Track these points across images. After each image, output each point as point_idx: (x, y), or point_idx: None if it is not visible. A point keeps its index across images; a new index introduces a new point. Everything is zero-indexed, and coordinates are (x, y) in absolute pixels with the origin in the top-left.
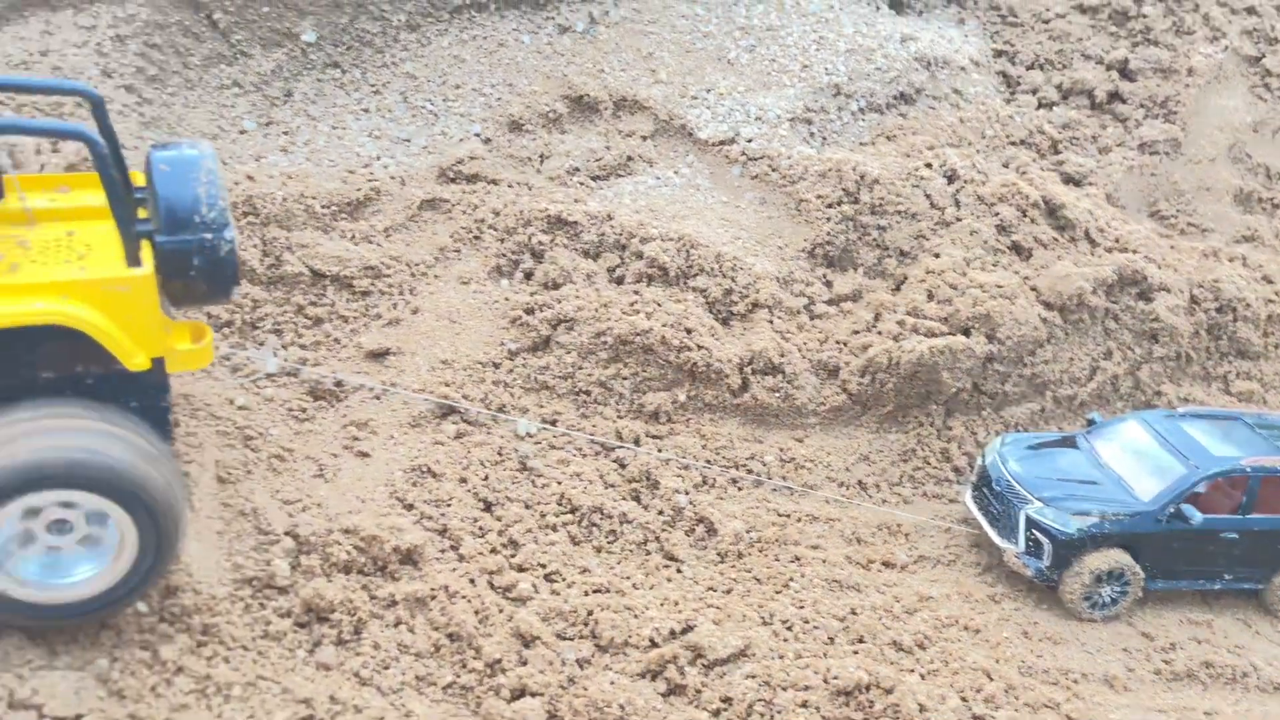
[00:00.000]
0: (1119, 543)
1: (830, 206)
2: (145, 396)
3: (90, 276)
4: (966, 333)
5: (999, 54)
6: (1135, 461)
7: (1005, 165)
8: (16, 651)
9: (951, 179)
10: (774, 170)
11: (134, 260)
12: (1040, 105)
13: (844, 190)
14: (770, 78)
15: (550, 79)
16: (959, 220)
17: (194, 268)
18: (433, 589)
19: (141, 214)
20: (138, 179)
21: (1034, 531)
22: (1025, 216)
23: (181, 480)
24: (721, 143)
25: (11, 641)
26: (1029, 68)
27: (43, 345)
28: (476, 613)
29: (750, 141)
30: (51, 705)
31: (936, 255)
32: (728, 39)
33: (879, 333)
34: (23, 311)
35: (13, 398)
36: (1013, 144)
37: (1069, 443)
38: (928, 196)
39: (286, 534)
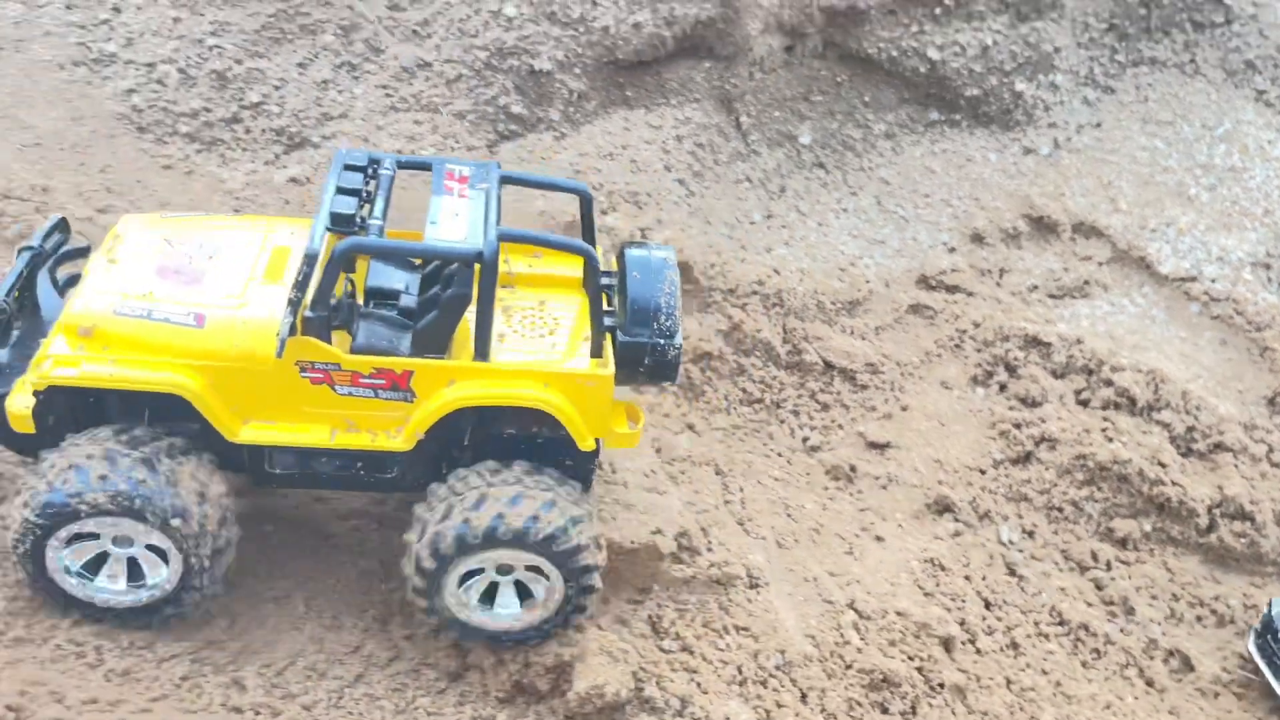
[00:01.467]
0: None
1: None
2: (579, 458)
3: (566, 370)
4: None
5: None
6: None
7: None
8: None
9: None
10: (1239, 314)
11: (598, 351)
12: None
13: None
14: (1231, 219)
15: (1013, 197)
16: None
17: (643, 364)
18: (967, 678)
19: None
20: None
21: None
22: None
23: (597, 538)
24: (1182, 279)
25: None
26: None
27: (512, 411)
28: (1006, 706)
29: (1213, 282)
30: None
31: None
32: (1188, 175)
33: None
34: (513, 394)
35: (480, 453)
36: None
37: None
38: None
39: (849, 606)
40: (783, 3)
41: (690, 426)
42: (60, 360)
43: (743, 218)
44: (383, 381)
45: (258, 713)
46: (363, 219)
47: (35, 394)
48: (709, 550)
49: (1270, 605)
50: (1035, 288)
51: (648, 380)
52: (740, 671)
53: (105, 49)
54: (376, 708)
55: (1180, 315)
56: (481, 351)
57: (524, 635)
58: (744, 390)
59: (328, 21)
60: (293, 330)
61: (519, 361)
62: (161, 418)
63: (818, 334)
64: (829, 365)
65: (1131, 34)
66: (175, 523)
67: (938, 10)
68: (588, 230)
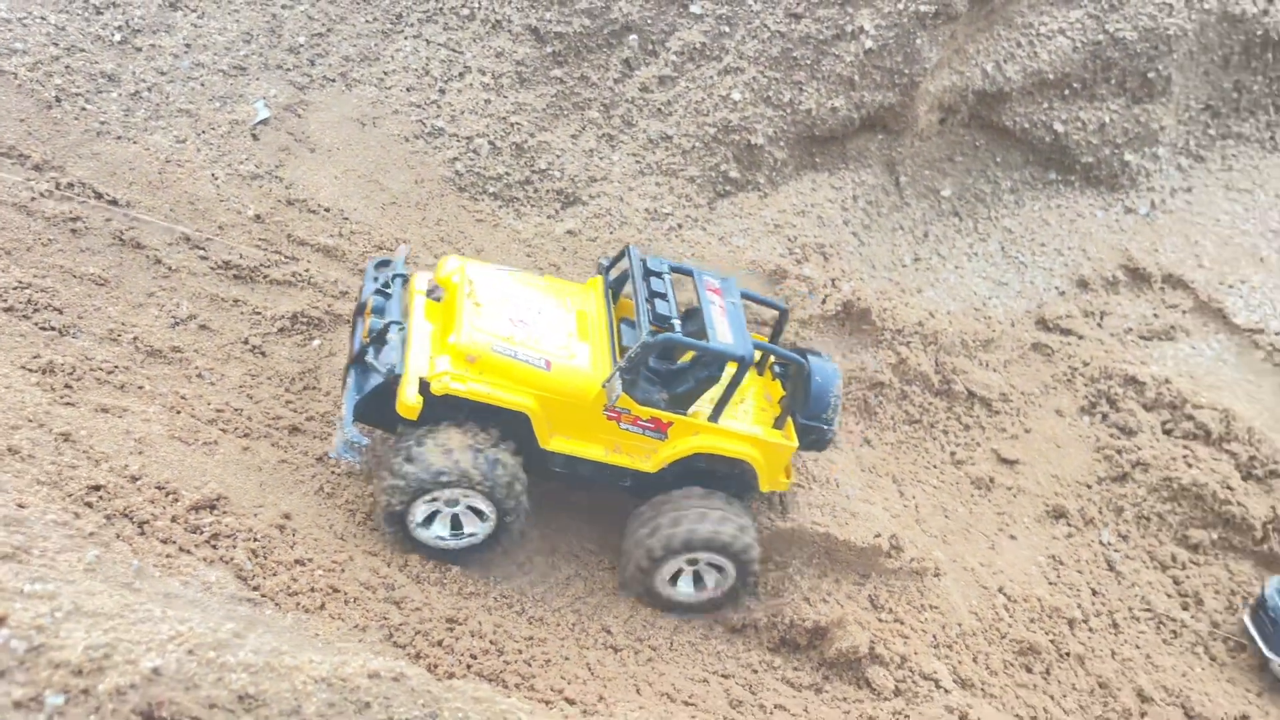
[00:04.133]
0: None
1: None
2: (743, 489)
3: (768, 439)
4: None
5: None
6: None
7: None
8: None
9: None
10: None
11: (781, 425)
12: None
13: None
14: None
15: (1114, 250)
16: None
17: (806, 440)
18: (1085, 649)
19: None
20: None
21: None
22: None
23: (756, 538)
24: (1251, 330)
25: None
26: None
27: (712, 455)
28: (1113, 670)
29: (1278, 334)
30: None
31: None
32: (1261, 239)
33: None
34: (734, 449)
35: (679, 479)
36: None
37: None
38: None
39: (999, 591)
40: (945, 89)
41: (867, 441)
42: (454, 377)
43: (896, 262)
44: (651, 425)
45: (628, 650)
46: (668, 317)
47: (420, 393)
48: (907, 547)
49: (1265, 585)
50: (1130, 330)
51: (804, 448)
52: (935, 638)
53: (436, 124)
54: (697, 651)
55: (1248, 361)
56: (716, 416)
57: (708, 607)
58: (906, 412)
59: (594, 100)
60: (623, 389)
61: (739, 428)
62: (480, 421)
63: (963, 367)
64: (971, 394)
65: (1223, 112)
66: (485, 485)
67: (1066, 92)
68: (776, 333)
